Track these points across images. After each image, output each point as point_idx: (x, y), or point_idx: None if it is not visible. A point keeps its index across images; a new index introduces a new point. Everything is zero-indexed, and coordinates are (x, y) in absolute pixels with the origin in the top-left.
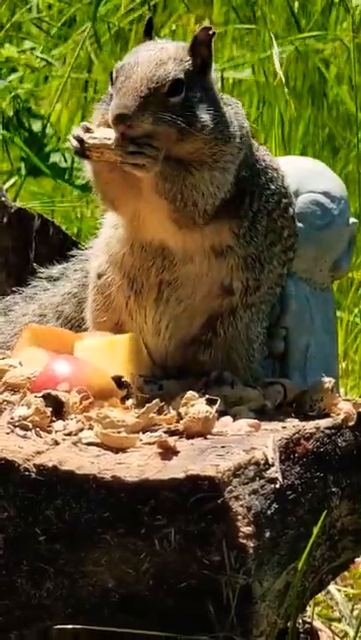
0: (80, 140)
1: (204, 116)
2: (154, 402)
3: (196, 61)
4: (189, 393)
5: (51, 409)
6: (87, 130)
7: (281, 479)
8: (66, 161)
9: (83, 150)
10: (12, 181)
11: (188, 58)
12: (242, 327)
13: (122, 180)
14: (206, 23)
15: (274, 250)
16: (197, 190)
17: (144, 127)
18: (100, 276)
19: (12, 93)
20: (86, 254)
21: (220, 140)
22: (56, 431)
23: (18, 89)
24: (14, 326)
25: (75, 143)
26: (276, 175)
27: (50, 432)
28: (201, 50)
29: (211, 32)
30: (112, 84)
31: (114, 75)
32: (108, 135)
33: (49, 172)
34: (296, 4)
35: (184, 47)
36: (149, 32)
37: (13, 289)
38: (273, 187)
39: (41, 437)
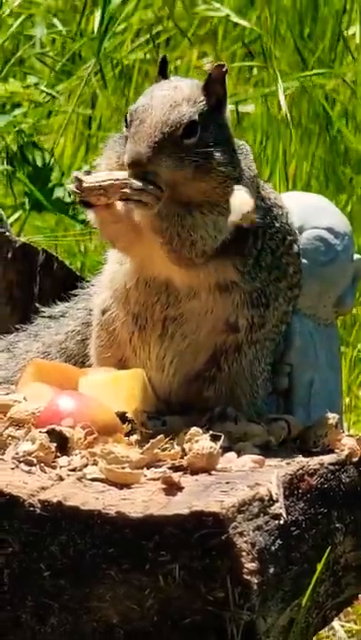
0: (79, 184)
1: (219, 156)
2: (158, 438)
3: (211, 100)
4: (193, 429)
5: (55, 444)
6: (87, 174)
7: (285, 515)
8: (70, 196)
9: (81, 193)
10: (16, 216)
11: (203, 97)
12: (246, 363)
13: (129, 228)
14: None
15: (279, 286)
16: (195, 232)
17: (159, 171)
18: (104, 312)
19: (16, 128)
20: (89, 292)
21: (233, 179)
22: (60, 467)
23: (22, 124)
24: (18, 362)
25: (72, 186)
26: (280, 212)
27: (54, 468)
28: (215, 88)
29: (224, 69)
30: (127, 127)
31: (128, 117)
32: (110, 176)
33: (52, 207)
34: (301, 40)
35: (198, 85)
36: (164, 71)
37: (17, 326)
38: (277, 224)
39: (45, 473)
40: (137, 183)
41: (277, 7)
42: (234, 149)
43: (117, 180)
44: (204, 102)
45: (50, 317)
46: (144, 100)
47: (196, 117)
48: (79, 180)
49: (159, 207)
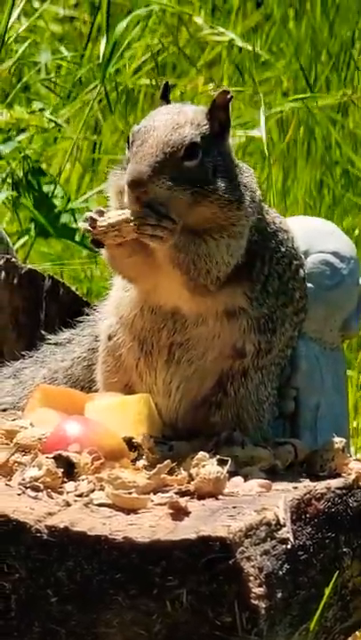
0: (93, 224)
1: (220, 181)
2: (165, 463)
3: (214, 125)
4: (200, 454)
5: (62, 470)
6: (100, 213)
7: (292, 540)
8: (75, 221)
9: (96, 234)
10: (22, 242)
11: (206, 122)
12: (252, 388)
13: (139, 262)
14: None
15: (286, 311)
16: (211, 259)
17: (159, 192)
18: (110, 338)
19: (22, 154)
20: (94, 319)
21: (235, 204)
22: (67, 492)
23: (27, 149)
24: (24, 388)
25: (86, 225)
26: (286, 237)
27: (61, 493)
28: (219, 113)
29: (229, 96)
30: (128, 148)
31: (130, 138)
32: (123, 215)
33: (58, 233)
34: (304, 61)
35: (202, 111)
36: (166, 96)
37: (23, 353)
38: (283, 249)
39: (52, 498)
40: (151, 219)
41: (280, 31)
42: (236, 175)
43: (131, 218)
44: (207, 127)
45: (56, 344)
46: (146, 122)
47: (198, 140)
48: (93, 221)
49: (175, 239)
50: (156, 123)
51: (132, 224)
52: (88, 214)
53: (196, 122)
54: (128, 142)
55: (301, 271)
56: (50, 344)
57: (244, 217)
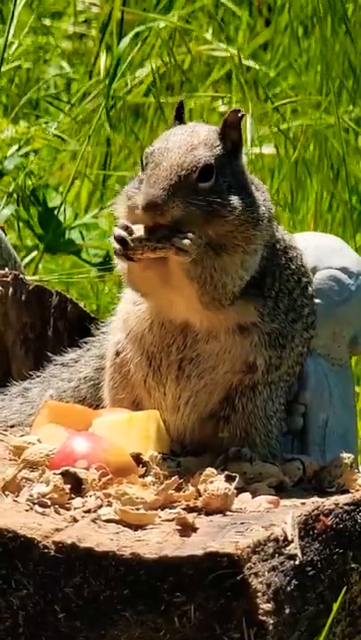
0: (123, 242)
1: (235, 200)
2: (172, 479)
3: (227, 144)
4: (208, 469)
5: (69, 486)
6: (126, 229)
7: (300, 555)
8: (83, 239)
9: (126, 252)
10: (29, 257)
11: (219, 141)
12: (261, 403)
13: (155, 276)
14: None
15: (295, 327)
16: (227, 274)
17: (174, 214)
18: (118, 354)
19: (27, 169)
20: (100, 339)
21: (251, 223)
22: (75, 508)
23: (33, 164)
24: (32, 407)
25: (117, 246)
26: (295, 254)
27: (69, 509)
28: (231, 132)
29: (240, 114)
30: (142, 170)
31: (144, 160)
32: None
33: (63, 249)
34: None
35: (215, 130)
36: (180, 116)
37: (30, 372)
38: (293, 266)
39: (60, 514)
40: (184, 240)
41: (290, 48)
42: (250, 193)
43: (161, 238)
44: (220, 147)
45: (62, 365)
46: (160, 144)
47: (212, 161)
48: (123, 239)
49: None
50: (170, 144)
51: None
52: (116, 233)
53: (210, 142)
54: (142, 164)
55: (310, 288)
56: (57, 364)
57: (260, 235)
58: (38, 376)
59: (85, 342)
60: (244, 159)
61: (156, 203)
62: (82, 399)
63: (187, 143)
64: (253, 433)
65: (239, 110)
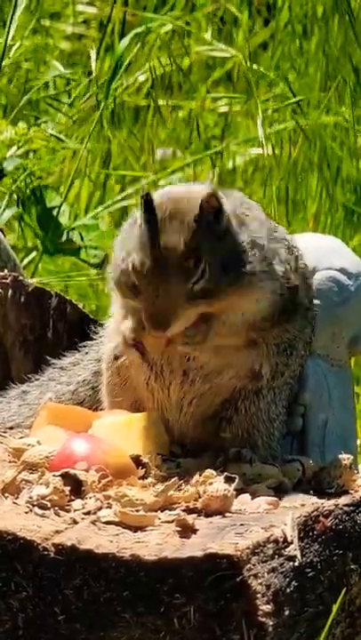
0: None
1: (234, 273)
2: (172, 480)
3: (209, 219)
4: (208, 471)
5: (69, 488)
6: (136, 332)
7: (300, 557)
8: (82, 239)
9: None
10: (29, 258)
11: (199, 227)
12: (264, 406)
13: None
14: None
15: (305, 332)
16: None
17: (179, 326)
18: (117, 358)
19: (27, 171)
20: (98, 342)
21: (249, 279)
22: (75, 510)
23: (33, 166)
24: (31, 409)
25: (135, 351)
26: (298, 254)
27: (68, 511)
28: (212, 202)
29: (215, 196)
30: (135, 276)
31: (132, 271)
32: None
33: (62, 250)
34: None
35: (192, 217)
36: (150, 208)
37: (29, 376)
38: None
39: (59, 516)
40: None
41: (289, 48)
42: (241, 245)
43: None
44: (202, 231)
45: (61, 368)
46: (142, 259)
47: (202, 259)
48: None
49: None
50: (157, 257)
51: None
52: (128, 335)
53: (193, 238)
54: (132, 269)
55: (312, 291)
56: (56, 368)
57: (265, 286)
58: (37, 379)
59: (84, 346)
60: (227, 216)
61: (160, 330)
62: (80, 402)
63: (172, 251)
64: (256, 435)
65: (213, 193)
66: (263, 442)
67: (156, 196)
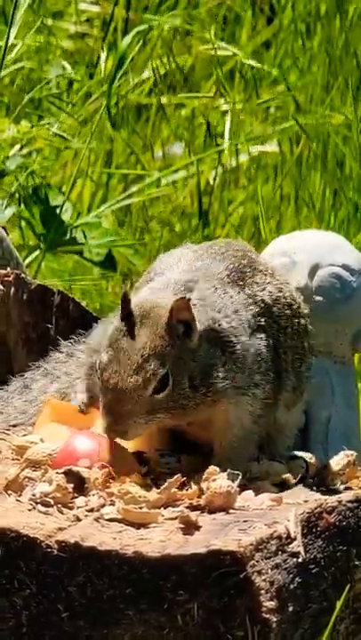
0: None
1: (202, 384)
2: (175, 477)
3: (179, 330)
4: (211, 467)
5: (72, 485)
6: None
7: (303, 553)
8: (85, 237)
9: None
10: (32, 257)
11: (168, 337)
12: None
13: None
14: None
15: (303, 368)
16: None
17: (137, 432)
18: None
19: (29, 169)
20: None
21: (219, 389)
22: (78, 507)
23: (35, 164)
24: (34, 405)
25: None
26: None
27: (71, 508)
28: (181, 316)
29: (187, 298)
30: (98, 377)
31: (98, 369)
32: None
33: (65, 248)
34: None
35: (162, 325)
36: (127, 310)
37: (32, 363)
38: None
39: (63, 514)
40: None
41: (292, 46)
42: (209, 355)
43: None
44: (170, 343)
45: (67, 354)
46: (111, 358)
47: (166, 371)
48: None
49: None
50: (121, 362)
51: None
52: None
53: (160, 347)
54: (96, 370)
55: (304, 321)
56: (61, 352)
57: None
58: (39, 368)
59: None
60: (198, 329)
61: (117, 432)
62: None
63: (137, 358)
64: (274, 434)
65: (184, 297)
66: (282, 441)
67: (135, 298)
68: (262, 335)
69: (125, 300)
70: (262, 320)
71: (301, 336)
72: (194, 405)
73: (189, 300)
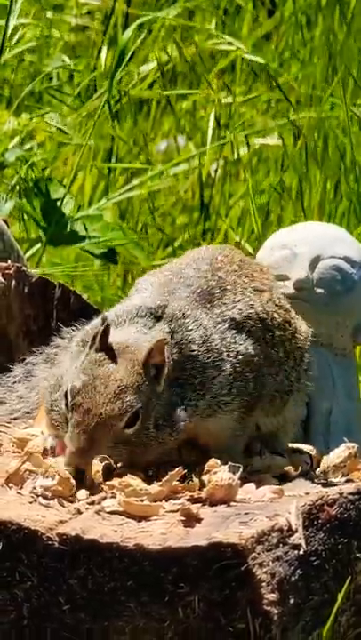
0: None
1: (165, 427)
2: (176, 470)
3: (151, 371)
4: (212, 460)
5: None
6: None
7: (305, 545)
8: (86, 230)
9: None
10: (33, 250)
11: (143, 375)
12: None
13: None
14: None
15: (300, 383)
16: None
17: (95, 467)
18: None
19: (30, 162)
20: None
21: (175, 434)
22: (79, 500)
23: (36, 157)
24: (37, 392)
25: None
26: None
27: (73, 501)
28: (156, 359)
29: (165, 341)
30: (66, 407)
31: (69, 396)
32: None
33: (66, 241)
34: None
35: (138, 364)
36: (105, 342)
37: (33, 349)
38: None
39: (64, 506)
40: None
41: (293, 38)
42: (173, 395)
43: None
44: (145, 381)
45: (70, 339)
46: (86, 384)
47: (140, 404)
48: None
49: None
50: (97, 389)
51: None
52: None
53: (135, 382)
54: (66, 397)
55: (279, 332)
56: (63, 337)
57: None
58: (41, 353)
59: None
60: (167, 370)
61: (81, 458)
62: None
63: (114, 387)
64: (279, 430)
65: (164, 339)
66: (285, 434)
67: (113, 331)
68: (233, 354)
69: (105, 334)
70: (234, 338)
71: (276, 347)
72: (156, 445)
73: (167, 343)
